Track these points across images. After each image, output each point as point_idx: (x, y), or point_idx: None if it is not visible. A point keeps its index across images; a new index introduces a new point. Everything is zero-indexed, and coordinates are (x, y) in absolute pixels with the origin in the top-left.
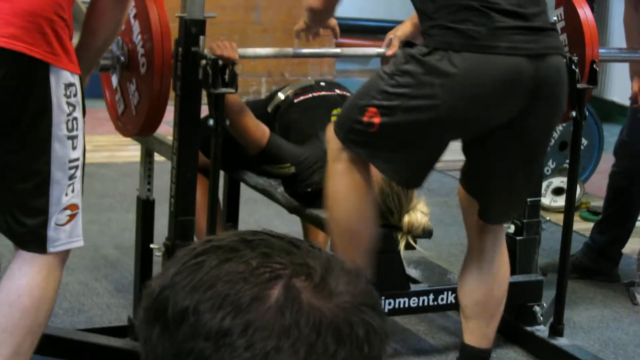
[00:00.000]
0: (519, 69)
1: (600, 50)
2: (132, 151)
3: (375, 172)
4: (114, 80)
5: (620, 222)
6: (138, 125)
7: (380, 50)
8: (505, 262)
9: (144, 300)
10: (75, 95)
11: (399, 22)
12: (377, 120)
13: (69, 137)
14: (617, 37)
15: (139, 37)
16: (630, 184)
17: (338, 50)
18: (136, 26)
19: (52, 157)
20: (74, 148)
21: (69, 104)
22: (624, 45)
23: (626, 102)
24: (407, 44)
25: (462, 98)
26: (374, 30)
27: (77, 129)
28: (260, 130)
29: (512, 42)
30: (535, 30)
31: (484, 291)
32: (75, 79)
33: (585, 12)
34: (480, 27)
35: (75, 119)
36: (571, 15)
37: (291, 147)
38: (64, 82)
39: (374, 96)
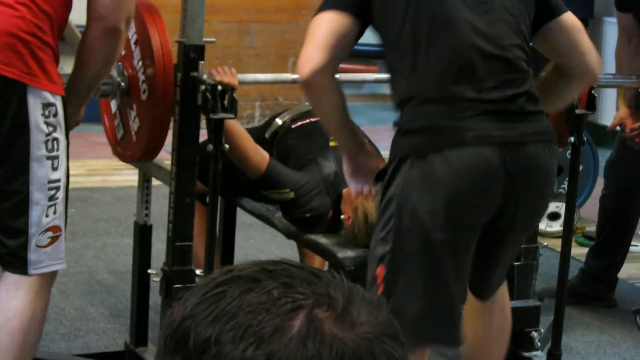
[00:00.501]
0: (488, 161)
1: None
2: (126, 175)
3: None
4: (113, 105)
5: (614, 247)
6: (138, 151)
7: (378, 75)
8: (507, 314)
9: (163, 329)
10: (55, 115)
11: None
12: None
13: (49, 158)
14: (611, 62)
15: (140, 63)
16: (620, 206)
17: (336, 75)
18: (137, 52)
19: (30, 177)
20: (54, 169)
21: (47, 124)
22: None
23: (618, 127)
24: (377, 177)
25: (440, 203)
26: (367, 55)
27: (57, 150)
28: (260, 155)
29: (479, 131)
30: (509, 114)
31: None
32: (57, 100)
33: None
34: (443, 119)
35: (55, 139)
36: None
37: (290, 173)
38: (42, 101)
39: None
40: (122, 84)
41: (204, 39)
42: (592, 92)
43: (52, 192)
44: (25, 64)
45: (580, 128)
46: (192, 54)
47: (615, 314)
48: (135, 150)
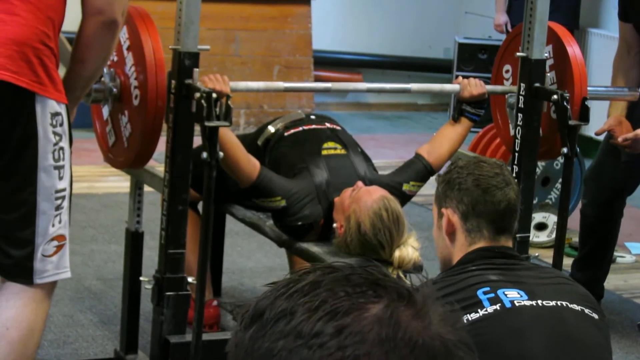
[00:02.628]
0: None
1: (588, 88)
2: (112, 182)
3: (364, 204)
4: (105, 111)
5: (598, 257)
6: (130, 157)
7: (371, 85)
8: None
9: (241, 312)
10: (61, 124)
11: (379, 56)
12: None
13: (56, 167)
14: (596, 73)
15: (132, 69)
16: (601, 214)
17: (329, 85)
18: (129, 58)
19: (38, 187)
20: (60, 178)
21: (55, 133)
22: (602, 83)
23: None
24: None
25: None
26: (354, 64)
27: (63, 159)
28: (252, 164)
29: None
30: None
31: None
32: (62, 109)
33: (574, 50)
34: None
35: (62, 148)
36: (560, 52)
37: (282, 181)
38: (50, 111)
39: None
40: (114, 90)
41: (199, 47)
42: (585, 103)
43: (59, 201)
44: (34, 72)
45: (573, 139)
46: (186, 61)
47: None
48: (127, 156)
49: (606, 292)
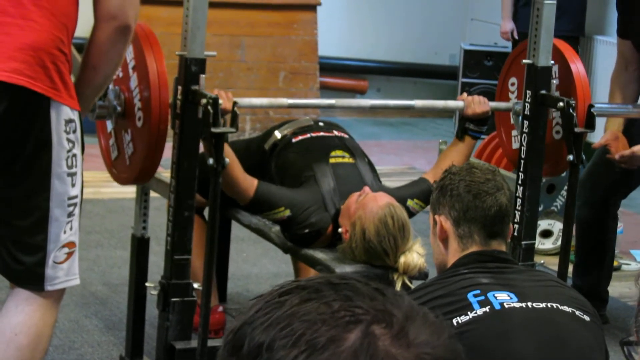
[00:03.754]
0: None
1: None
2: (118, 187)
3: (370, 211)
4: (109, 125)
5: (596, 261)
6: (132, 175)
7: (375, 102)
8: None
9: (225, 335)
10: (74, 131)
11: (384, 62)
12: None
13: (69, 174)
14: (601, 80)
15: (137, 89)
16: (596, 215)
17: (332, 101)
18: (134, 78)
19: (51, 193)
20: (73, 185)
21: (68, 140)
22: (608, 89)
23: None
24: None
25: None
26: (359, 70)
27: (76, 166)
28: (249, 181)
29: None
30: None
31: None
32: (75, 115)
33: (577, 68)
34: None
35: (75, 155)
36: (564, 69)
37: (283, 191)
38: (64, 117)
39: None
40: (119, 108)
41: (205, 53)
42: (591, 110)
43: (71, 208)
44: (49, 78)
45: (579, 146)
46: (193, 67)
47: (607, 332)
48: (129, 174)
49: (611, 300)
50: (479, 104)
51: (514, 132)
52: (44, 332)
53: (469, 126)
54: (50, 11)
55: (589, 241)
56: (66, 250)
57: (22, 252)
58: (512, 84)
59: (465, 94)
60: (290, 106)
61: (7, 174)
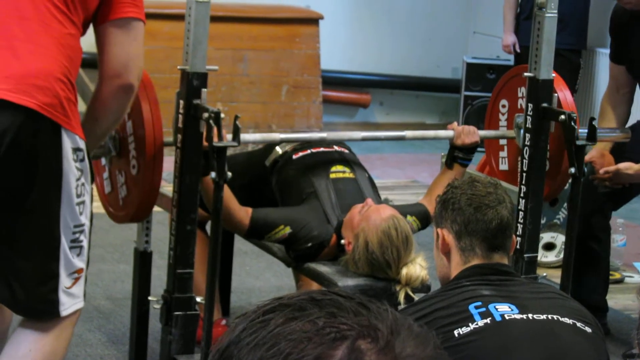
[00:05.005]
0: None
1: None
2: None
3: (373, 223)
4: (103, 160)
5: (593, 272)
6: (126, 216)
7: (367, 134)
8: None
9: (212, 354)
10: (82, 160)
11: (387, 76)
12: None
13: (77, 203)
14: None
15: (132, 136)
16: (586, 228)
17: (324, 134)
18: (129, 125)
19: (61, 221)
20: (80, 213)
21: (77, 168)
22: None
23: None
24: None
25: None
26: (362, 84)
27: (84, 195)
28: (243, 211)
29: None
30: None
31: None
32: (82, 144)
33: (565, 95)
34: None
35: (83, 184)
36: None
37: (280, 210)
38: (72, 146)
39: None
40: (113, 151)
41: (207, 67)
42: (593, 123)
43: (77, 235)
44: (61, 104)
45: (581, 159)
46: (195, 81)
47: (609, 343)
48: (124, 214)
49: (614, 312)
50: (468, 135)
51: (502, 154)
52: (58, 350)
53: (458, 154)
54: (58, 41)
55: (583, 253)
56: (75, 275)
57: (35, 283)
58: (503, 106)
59: (455, 123)
60: (283, 141)
61: (19, 202)
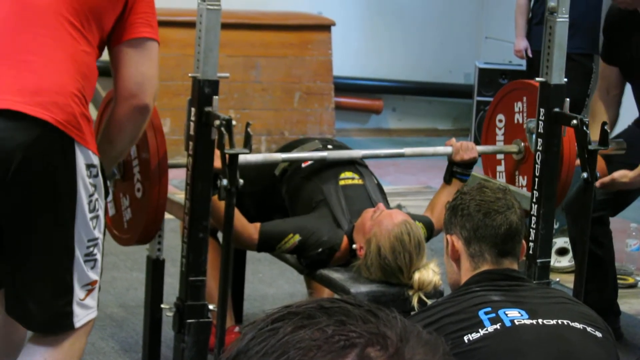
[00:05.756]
0: None
1: None
2: None
3: (385, 228)
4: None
5: (600, 277)
6: (132, 239)
7: (366, 152)
8: None
9: (221, 357)
10: (96, 176)
11: (399, 82)
12: None
13: (91, 218)
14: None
15: (136, 160)
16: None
17: (325, 153)
18: (134, 148)
19: (75, 236)
20: (94, 228)
21: (91, 184)
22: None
23: None
24: None
25: None
26: (374, 90)
27: (98, 210)
28: (251, 227)
29: None
30: None
31: None
32: (96, 160)
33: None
34: None
35: (97, 199)
36: None
37: (288, 220)
38: (86, 162)
39: None
40: (117, 175)
41: (218, 74)
42: (605, 127)
43: (91, 249)
44: (76, 120)
45: (593, 164)
46: (206, 89)
47: (621, 347)
48: (128, 237)
49: (627, 317)
50: (466, 151)
51: (499, 168)
52: (72, 358)
53: (457, 170)
54: (72, 56)
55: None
56: (88, 287)
57: (51, 296)
58: (500, 121)
59: (453, 140)
60: (284, 160)
61: (35, 217)
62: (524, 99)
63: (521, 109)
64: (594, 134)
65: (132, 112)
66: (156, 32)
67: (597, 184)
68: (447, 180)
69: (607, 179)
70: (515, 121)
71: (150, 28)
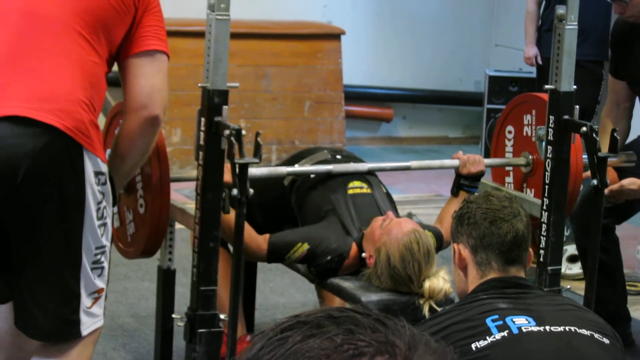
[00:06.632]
0: None
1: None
2: None
3: (395, 237)
4: None
5: (609, 284)
6: (136, 252)
7: (372, 165)
8: None
9: None
10: (104, 184)
11: (409, 90)
12: None
13: (99, 226)
14: None
15: (139, 175)
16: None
17: (330, 167)
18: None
19: (82, 244)
20: (102, 235)
21: (99, 192)
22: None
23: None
24: None
25: None
26: (385, 98)
27: (106, 218)
28: (260, 238)
29: None
30: None
31: None
32: (105, 168)
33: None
34: None
35: (105, 207)
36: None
37: (297, 230)
38: (94, 169)
39: None
40: (121, 189)
41: (228, 84)
42: (615, 134)
43: (98, 257)
44: (85, 127)
45: (603, 171)
46: (215, 98)
47: (632, 354)
48: (133, 251)
49: (638, 323)
50: (473, 164)
51: (508, 179)
52: None
53: (464, 182)
54: (80, 65)
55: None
56: (95, 295)
57: (57, 305)
58: (509, 132)
59: (460, 152)
60: (289, 174)
61: (43, 223)
62: (533, 111)
63: (530, 122)
64: (604, 147)
65: (142, 124)
66: (165, 45)
67: (606, 191)
68: (455, 193)
69: (615, 186)
70: (524, 133)
71: (159, 41)
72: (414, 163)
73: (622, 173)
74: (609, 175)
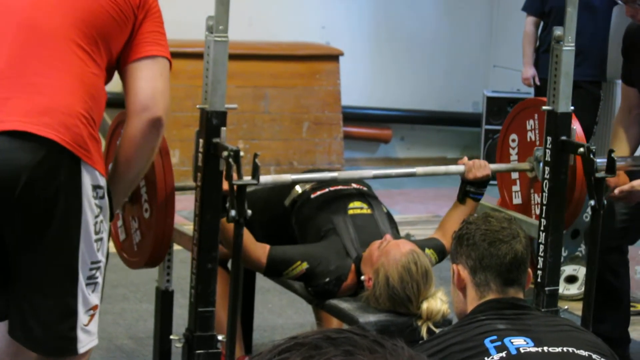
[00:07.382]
0: None
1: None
2: None
3: (393, 258)
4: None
5: (614, 307)
6: (141, 262)
7: (377, 171)
8: None
9: None
10: (102, 197)
11: (408, 111)
12: None
13: (96, 240)
14: None
15: (143, 183)
16: (604, 263)
17: (335, 174)
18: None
19: (79, 258)
20: (97, 250)
21: (96, 205)
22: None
23: None
24: None
25: None
26: (383, 119)
27: (102, 232)
28: (260, 249)
29: None
30: None
31: None
32: (103, 182)
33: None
34: None
35: (102, 221)
36: None
37: (297, 247)
38: (92, 182)
39: None
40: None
41: (226, 105)
42: (612, 155)
43: (93, 272)
44: (84, 140)
45: (600, 191)
46: (214, 120)
47: None
48: (138, 260)
49: (637, 344)
50: (479, 169)
51: (515, 188)
52: None
53: (470, 189)
54: (80, 78)
55: (602, 288)
56: (91, 312)
57: (55, 321)
58: (513, 140)
59: (465, 158)
60: (294, 181)
61: (41, 238)
62: (535, 116)
63: (533, 127)
64: (618, 152)
65: (145, 126)
66: (166, 50)
67: (617, 191)
68: (461, 199)
69: (626, 187)
70: (528, 139)
71: (159, 46)
72: (419, 169)
73: (633, 176)
74: (620, 178)
